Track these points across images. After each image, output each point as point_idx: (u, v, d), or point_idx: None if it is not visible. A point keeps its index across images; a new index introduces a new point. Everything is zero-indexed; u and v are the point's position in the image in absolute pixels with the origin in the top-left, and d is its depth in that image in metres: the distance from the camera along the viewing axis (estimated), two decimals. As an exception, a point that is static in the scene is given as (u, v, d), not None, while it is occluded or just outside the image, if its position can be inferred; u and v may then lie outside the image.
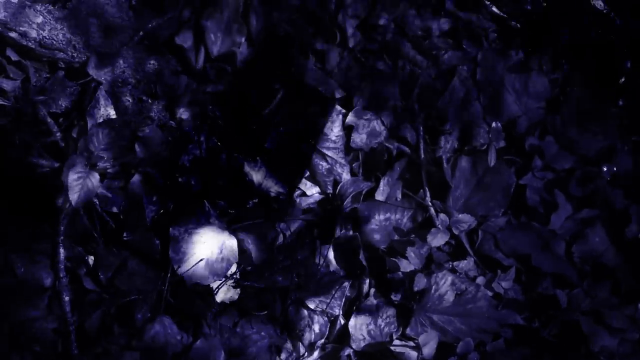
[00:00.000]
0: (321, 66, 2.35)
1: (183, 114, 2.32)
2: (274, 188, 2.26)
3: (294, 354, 2.23)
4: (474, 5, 2.41)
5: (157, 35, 2.32)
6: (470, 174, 2.30)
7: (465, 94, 2.35)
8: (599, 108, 2.34)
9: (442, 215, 2.25)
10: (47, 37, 2.21)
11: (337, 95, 2.34)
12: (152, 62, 2.31)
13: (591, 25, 2.41)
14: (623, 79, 2.36)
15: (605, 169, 2.27)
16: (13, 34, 2.18)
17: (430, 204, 2.27)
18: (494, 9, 2.42)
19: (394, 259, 2.23)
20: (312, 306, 2.22)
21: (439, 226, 2.24)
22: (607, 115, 2.33)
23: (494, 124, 2.29)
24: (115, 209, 2.25)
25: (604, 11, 2.42)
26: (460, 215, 2.25)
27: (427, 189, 2.29)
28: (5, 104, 2.23)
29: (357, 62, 2.36)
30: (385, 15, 2.39)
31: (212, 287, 2.22)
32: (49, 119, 2.26)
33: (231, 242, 2.23)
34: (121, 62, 2.28)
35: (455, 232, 2.25)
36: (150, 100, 2.30)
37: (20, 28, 2.18)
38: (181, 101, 2.32)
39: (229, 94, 2.33)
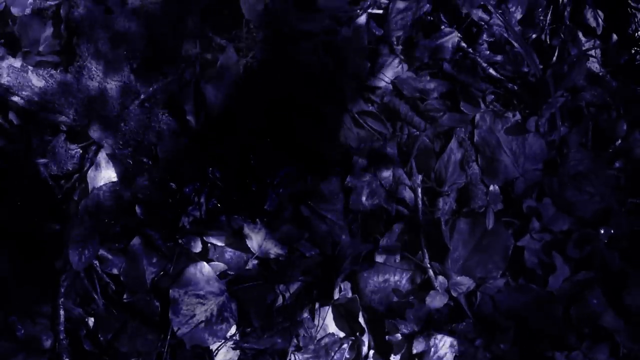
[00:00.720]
0: (321, 128, 2.41)
1: (183, 175, 2.37)
2: (273, 250, 2.32)
3: (294, 417, 2.28)
4: (472, 67, 2.49)
5: (158, 98, 2.38)
6: (468, 236, 2.36)
7: (462, 155, 2.41)
8: (596, 170, 2.40)
9: (440, 277, 2.31)
10: (49, 100, 2.28)
11: (336, 157, 2.39)
12: (153, 124, 2.37)
13: (588, 88, 2.47)
14: (619, 141, 2.42)
15: (602, 232, 2.33)
16: (15, 98, 2.25)
17: (428, 265, 2.33)
18: (492, 71, 2.49)
19: (392, 320, 2.28)
20: (311, 368, 2.27)
21: (438, 288, 2.30)
22: (604, 177, 2.40)
23: (491, 187, 2.36)
24: (115, 271, 2.31)
25: (600, 74, 2.50)
26: (458, 278, 2.31)
27: (425, 250, 2.34)
28: (7, 167, 2.29)
29: (356, 123, 2.42)
30: (383, 77, 2.45)
31: (211, 349, 2.27)
32: (50, 182, 2.31)
33: (231, 304, 2.28)
34: (122, 124, 2.34)
35: (454, 294, 2.30)
36: (151, 162, 2.37)
37: (23, 92, 2.26)
38: (181, 163, 2.38)
39: (229, 155, 2.39)
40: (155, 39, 2.39)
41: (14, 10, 2.34)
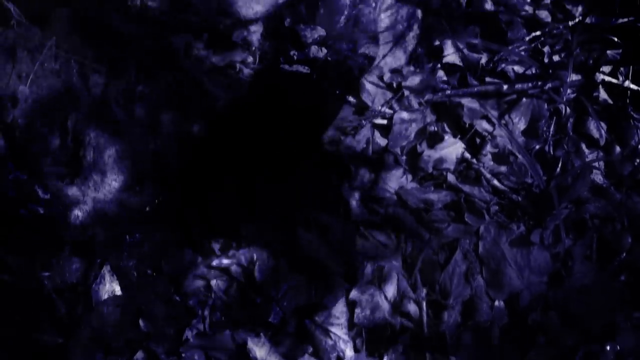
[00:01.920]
0: (324, 239, 2.51)
1: (187, 288, 2.47)
2: (277, 364, 2.39)
3: None
4: (476, 178, 2.59)
5: (163, 210, 2.49)
6: (474, 350, 2.43)
7: (467, 267, 2.50)
8: (601, 283, 2.48)
9: (446, 393, 2.38)
10: (55, 214, 2.38)
11: (340, 270, 2.49)
12: (157, 235, 2.48)
13: (592, 199, 2.57)
14: (624, 254, 2.51)
15: (608, 347, 2.40)
16: (22, 211, 2.35)
17: (434, 381, 2.39)
18: (496, 182, 2.59)
19: None
20: None
21: (443, 404, 2.36)
22: (609, 291, 2.48)
23: (496, 303, 2.45)
24: (118, 385, 2.37)
25: (604, 185, 2.60)
26: (464, 394, 2.38)
27: (430, 365, 2.40)
28: (11, 280, 2.39)
29: (360, 235, 2.52)
30: (388, 188, 2.56)
31: None
32: (54, 295, 2.40)
33: (234, 421, 2.35)
34: (127, 237, 2.44)
35: (460, 410, 2.36)
36: (155, 274, 2.47)
37: (29, 204, 2.35)
38: (186, 275, 2.47)
39: (233, 268, 2.49)
40: (161, 151, 2.50)
41: (22, 122, 2.44)
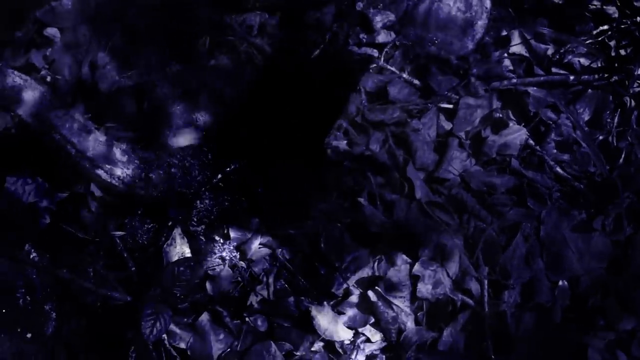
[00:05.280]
0: (389, 216, 2.78)
1: (253, 255, 2.74)
2: (339, 333, 2.66)
3: None
4: (539, 165, 2.83)
5: (232, 179, 2.77)
6: (533, 330, 2.67)
7: (528, 250, 2.76)
8: (661, 272, 2.71)
9: (505, 370, 2.61)
10: (131, 175, 2.65)
11: (404, 245, 2.76)
12: (226, 203, 2.76)
13: (653, 190, 2.80)
14: (684, 245, 2.74)
15: (666, 332, 2.63)
16: (99, 171, 2.63)
17: (493, 357, 2.64)
18: (558, 169, 2.83)
19: (455, 411, 2.57)
20: None
21: (502, 380, 2.59)
22: (669, 279, 2.71)
23: (560, 283, 2.67)
24: (182, 345, 2.63)
25: (666, 177, 2.83)
26: (523, 371, 2.61)
27: (490, 342, 2.65)
28: (85, 237, 2.67)
29: (424, 213, 2.79)
30: (452, 170, 2.83)
31: None
32: (125, 254, 2.68)
33: (295, 385, 2.59)
34: (198, 202, 2.73)
35: (518, 387, 2.59)
36: (222, 240, 2.74)
37: (107, 165, 2.64)
38: (252, 242, 2.75)
39: (299, 238, 2.76)
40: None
41: (101, 86, 2.73)
